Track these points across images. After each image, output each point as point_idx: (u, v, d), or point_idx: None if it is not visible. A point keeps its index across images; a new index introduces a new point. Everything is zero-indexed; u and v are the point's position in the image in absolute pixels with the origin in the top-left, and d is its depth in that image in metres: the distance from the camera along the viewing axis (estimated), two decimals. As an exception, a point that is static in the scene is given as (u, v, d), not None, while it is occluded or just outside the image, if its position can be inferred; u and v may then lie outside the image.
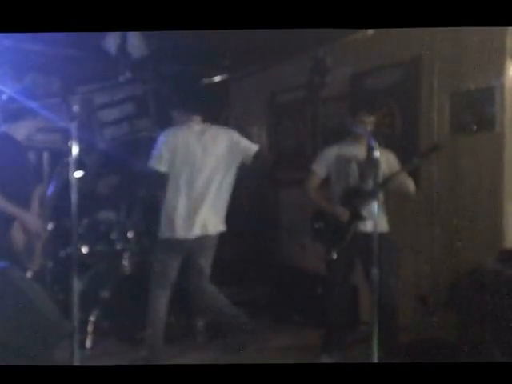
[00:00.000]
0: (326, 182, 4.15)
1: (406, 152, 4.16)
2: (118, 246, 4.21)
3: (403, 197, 4.15)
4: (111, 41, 4.32)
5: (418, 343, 3.81)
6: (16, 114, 3.36)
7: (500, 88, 3.94)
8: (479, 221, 4.03)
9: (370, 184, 3.86)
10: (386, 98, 4.76)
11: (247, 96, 6.44)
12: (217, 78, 6.34)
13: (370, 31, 4.78)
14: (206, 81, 6.23)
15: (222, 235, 3.95)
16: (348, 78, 5.09)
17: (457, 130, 4.22)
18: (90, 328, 3.81)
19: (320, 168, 4.08)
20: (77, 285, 2.35)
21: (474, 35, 4.04)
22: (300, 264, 5.37)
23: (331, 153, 4.07)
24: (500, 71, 3.94)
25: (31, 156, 3.59)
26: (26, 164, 3.50)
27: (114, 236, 4.14)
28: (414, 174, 4.21)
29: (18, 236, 3.22)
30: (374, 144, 3.25)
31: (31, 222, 3.33)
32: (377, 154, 3.27)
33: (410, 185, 4.00)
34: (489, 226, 3.98)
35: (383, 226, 3.96)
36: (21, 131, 3.41)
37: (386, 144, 3.97)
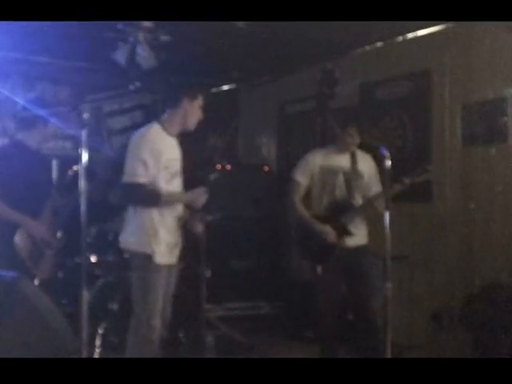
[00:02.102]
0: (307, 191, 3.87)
1: (417, 164, 4.06)
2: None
3: (415, 211, 4.00)
4: (121, 52, 4.34)
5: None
6: (29, 123, 3.38)
7: (512, 99, 3.89)
8: (493, 234, 3.96)
9: (357, 198, 3.72)
10: (396, 110, 4.72)
11: (257, 107, 6.42)
12: (226, 89, 6.33)
13: (380, 43, 4.76)
14: (215, 91, 6.22)
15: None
16: (358, 90, 5.06)
17: (468, 141, 4.17)
18: (98, 342, 3.69)
19: (304, 178, 3.80)
20: (86, 296, 2.29)
21: (485, 46, 4.01)
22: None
23: (314, 161, 3.80)
24: (512, 82, 3.90)
25: (44, 164, 3.59)
26: (40, 172, 3.49)
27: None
28: (426, 187, 4.15)
29: (21, 244, 3.20)
30: (385, 153, 3.11)
31: (37, 229, 3.30)
32: (388, 163, 3.11)
33: (382, 206, 3.39)
34: (503, 239, 3.90)
35: (365, 238, 3.81)
36: (34, 139, 3.42)
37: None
